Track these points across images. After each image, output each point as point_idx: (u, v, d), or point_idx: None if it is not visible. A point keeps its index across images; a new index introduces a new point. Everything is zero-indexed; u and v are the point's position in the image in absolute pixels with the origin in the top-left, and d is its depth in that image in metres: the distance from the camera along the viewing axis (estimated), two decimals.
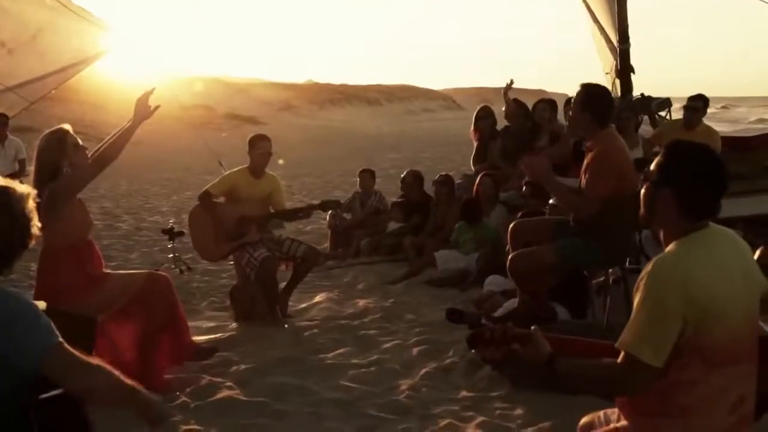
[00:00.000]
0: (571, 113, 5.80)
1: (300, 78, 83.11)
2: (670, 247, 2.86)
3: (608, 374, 2.84)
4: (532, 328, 3.03)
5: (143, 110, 5.38)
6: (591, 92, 5.63)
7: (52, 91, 15.27)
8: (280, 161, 7.83)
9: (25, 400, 2.70)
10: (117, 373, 2.80)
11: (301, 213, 7.57)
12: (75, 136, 5.31)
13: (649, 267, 2.77)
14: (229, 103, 49.07)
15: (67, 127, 5.33)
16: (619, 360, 2.78)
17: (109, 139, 5.58)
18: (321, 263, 9.84)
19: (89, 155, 5.42)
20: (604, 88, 5.87)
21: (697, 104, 9.32)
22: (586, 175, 5.63)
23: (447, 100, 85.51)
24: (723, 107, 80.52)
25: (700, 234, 2.83)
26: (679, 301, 2.68)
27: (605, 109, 5.69)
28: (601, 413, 3.19)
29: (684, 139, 3.09)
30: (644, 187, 2.96)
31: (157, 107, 5.43)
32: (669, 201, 2.84)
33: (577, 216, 5.70)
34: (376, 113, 64.75)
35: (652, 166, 2.93)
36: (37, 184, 5.10)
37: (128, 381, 2.82)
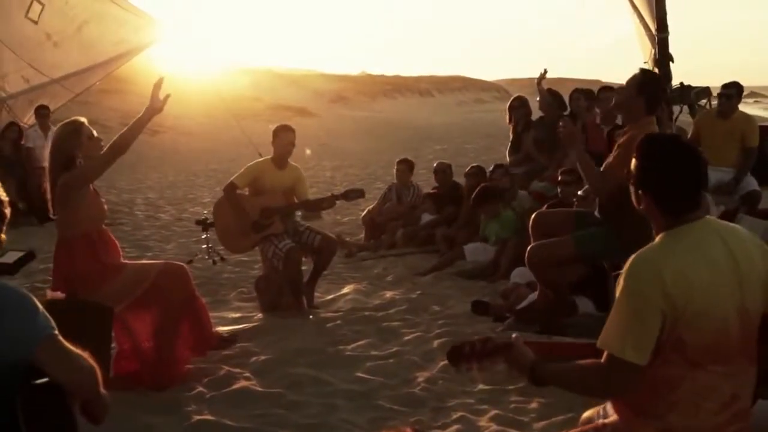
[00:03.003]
0: (621, 94, 5.72)
1: (354, 70, 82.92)
2: (654, 241, 2.83)
3: (593, 375, 2.81)
4: (513, 336, 3.01)
5: (155, 102, 5.39)
6: (649, 77, 5.71)
7: (98, 83, 15.57)
8: (308, 151, 7.84)
9: (12, 387, 2.72)
10: (97, 370, 2.82)
11: (325, 203, 7.53)
12: (90, 127, 5.36)
13: (627, 263, 2.74)
14: (281, 94, 49.29)
15: (82, 119, 5.38)
16: (602, 360, 2.75)
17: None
18: (353, 253, 9.89)
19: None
20: (660, 76, 5.85)
21: (731, 92, 9.11)
22: (613, 155, 5.62)
23: (500, 90, 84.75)
24: None
25: (684, 228, 2.78)
26: (656, 295, 2.63)
27: (658, 97, 5.75)
28: (601, 408, 3.16)
29: (653, 136, 3.05)
30: (630, 188, 2.96)
31: (167, 97, 5.43)
32: (649, 201, 2.84)
33: (593, 193, 5.66)
34: (428, 104, 64.49)
35: (631, 168, 2.92)
36: (53, 175, 5.19)
37: (101, 381, 2.84)
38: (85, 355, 2.81)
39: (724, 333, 2.68)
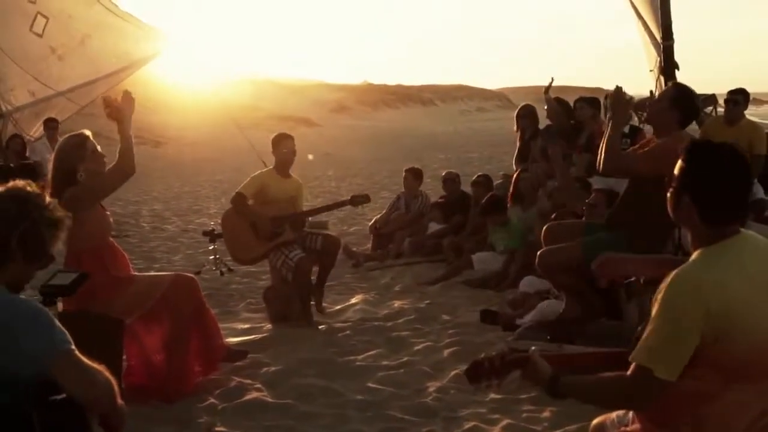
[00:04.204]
0: (653, 107, 5.73)
1: (356, 79, 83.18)
2: (692, 257, 2.76)
3: (616, 388, 2.76)
4: (531, 349, 2.97)
5: (121, 109, 5.40)
6: (683, 92, 5.68)
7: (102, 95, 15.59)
8: (310, 157, 7.94)
9: (29, 403, 2.72)
10: (114, 384, 2.82)
11: (332, 207, 7.64)
12: (94, 141, 5.36)
13: (668, 279, 2.67)
14: (282, 104, 49.39)
15: (87, 132, 5.39)
16: (629, 372, 2.70)
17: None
18: (360, 263, 9.89)
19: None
20: (694, 91, 5.87)
21: (737, 98, 9.21)
22: (635, 150, 5.71)
23: (502, 99, 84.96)
24: None
25: (727, 243, 2.71)
26: (697, 315, 2.58)
27: (693, 111, 5.78)
28: (614, 415, 3.11)
29: (705, 141, 2.98)
30: (668, 191, 2.87)
31: (126, 93, 5.46)
32: (690, 207, 2.74)
33: (601, 167, 5.68)
34: (430, 114, 64.60)
35: (675, 171, 2.83)
36: (54, 187, 5.19)
37: (118, 394, 2.85)
38: (102, 368, 2.81)
39: (759, 351, 2.64)
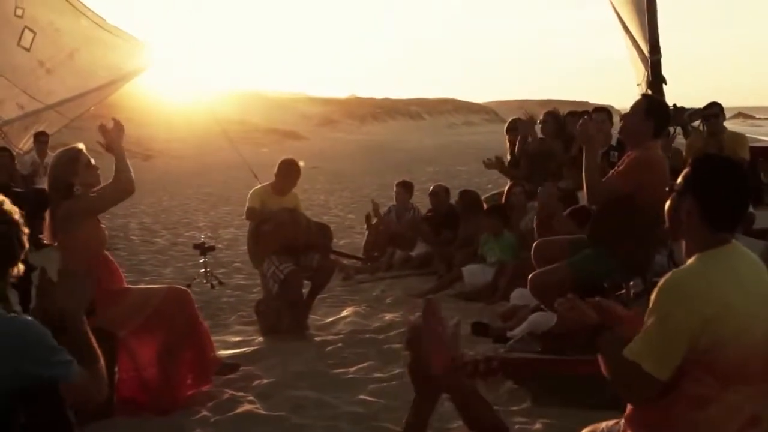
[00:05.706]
0: (627, 120, 5.80)
1: (343, 93, 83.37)
2: (689, 261, 2.82)
3: (622, 375, 2.81)
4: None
5: (111, 140, 5.48)
6: (654, 102, 5.93)
7: (92, 109, 15.58)
8: (301, 162, 8.02)
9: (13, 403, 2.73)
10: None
11: (354, 258, 7.96)
12: (88, 155, 5.38)
13: (662, 280, 2.74)
14: (269, 117, 49.41)
15: (80, 146, 5.42)
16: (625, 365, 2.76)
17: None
18: (351, 276, 9.91)
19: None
20: (664, 101, 6.04)
21: (715, 110, 9.48)
22: (616, 171, 5.76)
23: (489, 113, 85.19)
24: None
25: (721, 251, 2.78)
26: (689, 318, 2.65)
27: (666, 120, 5.97)
28: (603, 425, 3.15)
29: (717, 154, 3.09)
30: (669, 199, 2.93)
31: (115, 123, 5.55)
32: (691, 209, 2.80)
33: (588, 199, 5.80)
34: (418, 127, 64.68)
35: (680, 177, 2.90)
36: (51, 202, 5.23)
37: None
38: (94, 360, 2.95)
39: (753, 355, 2.70)
